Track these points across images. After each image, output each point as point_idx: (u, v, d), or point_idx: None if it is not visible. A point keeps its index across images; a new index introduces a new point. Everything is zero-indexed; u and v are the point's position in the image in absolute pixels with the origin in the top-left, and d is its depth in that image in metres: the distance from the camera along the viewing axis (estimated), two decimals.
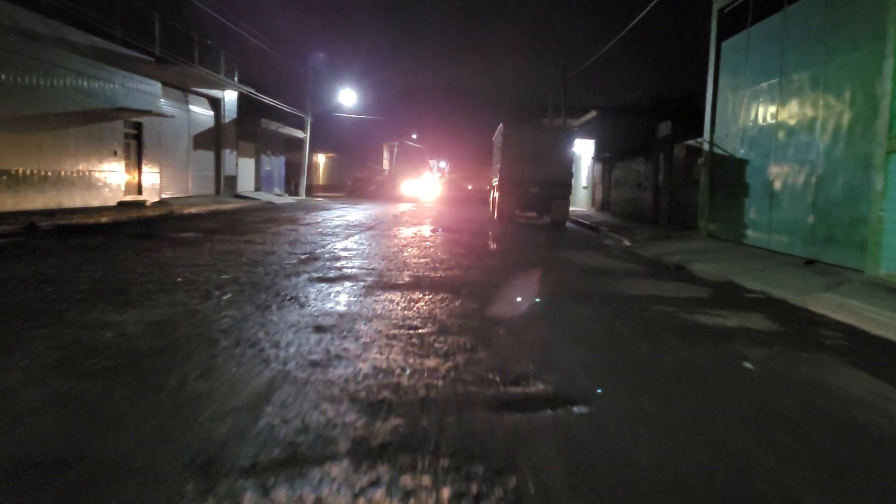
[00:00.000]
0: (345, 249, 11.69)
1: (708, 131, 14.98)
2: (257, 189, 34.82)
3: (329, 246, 12.14)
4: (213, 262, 9.33)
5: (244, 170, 33.09)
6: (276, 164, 37.79)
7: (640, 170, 21.17)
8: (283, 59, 36.77)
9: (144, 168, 22.25)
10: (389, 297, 7.14)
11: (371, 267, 9.58)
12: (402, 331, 5.59)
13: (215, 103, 28.89)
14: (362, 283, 8.01)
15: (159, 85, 23.11)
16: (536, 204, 22.52)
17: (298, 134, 37.86)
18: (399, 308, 6.58)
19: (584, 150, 29.29)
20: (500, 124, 22.31)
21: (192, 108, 26.89)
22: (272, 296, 6.92)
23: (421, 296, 7.34)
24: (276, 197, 34.43)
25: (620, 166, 24.01)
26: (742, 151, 13.49)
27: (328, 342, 5.11)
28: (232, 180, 30.53)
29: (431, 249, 12.42)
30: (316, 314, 6.10)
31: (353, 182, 47.78)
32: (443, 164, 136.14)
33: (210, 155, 28.77)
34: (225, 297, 6.67)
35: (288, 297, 6.87)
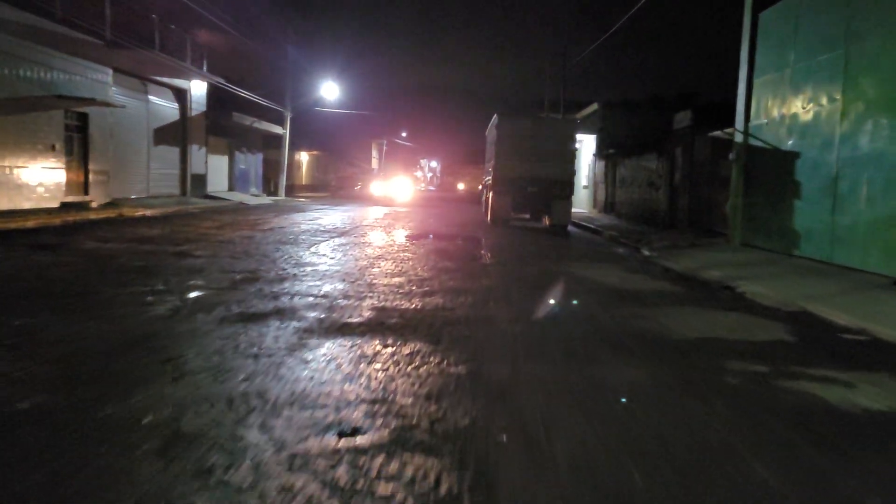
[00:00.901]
0: (298, 265, 9.19)
1: (741, 119, 12.56)
2: (231, 189, 32.24)
3: (281, 260, 9.64)
4: (96, 289, 6.82)
5: (216, 168, 30.51)
6: (252, 162, 35.22)
7: (651, 167, 18.79)
8: (259, 49, 34.20)
9: (91, 165, 19.66)
10: (327, 354, 4.66)
11: (322, 292, 7.09)
12: (322, 441, 3.10)
13: (181, 95, 26.31)
14: (297, 324, 5.52)
15: (110, 72, 20.54)
16: (534, 205, 20.11)
17: (277, 130, 35.29)
18: (335, 379, 4.09)
19: (584, 146, 26.90)
20: (494, 116, 19.87)
21: (153, 99, 24.31)
22: (122, 364, 4.42)
23: (380, 348, 4.87)
24: (252, 197, 31.86)
25: (627, 163, 21.61)
26: (790, 142, 11.08)
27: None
28: (201, 179, 27.95)
29: (410, 263, 9.94)
30: (168, 412, 3.61)
31: (337, 181, 45.26)
32: (434, 163, 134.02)
33: (175, 151, 26.18)
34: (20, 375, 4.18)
35: (156, 364, 4.38)
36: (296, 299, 6.61)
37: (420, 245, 12.87)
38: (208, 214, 19.91)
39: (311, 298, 6.70)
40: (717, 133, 14.42)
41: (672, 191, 16.81)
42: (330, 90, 37.12)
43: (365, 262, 9.78)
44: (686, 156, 15.67)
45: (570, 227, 20.23)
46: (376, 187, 32.83)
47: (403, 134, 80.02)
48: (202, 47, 27.21)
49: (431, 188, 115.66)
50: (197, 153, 27.52)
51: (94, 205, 18.74)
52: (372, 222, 18.76)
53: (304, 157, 47.84)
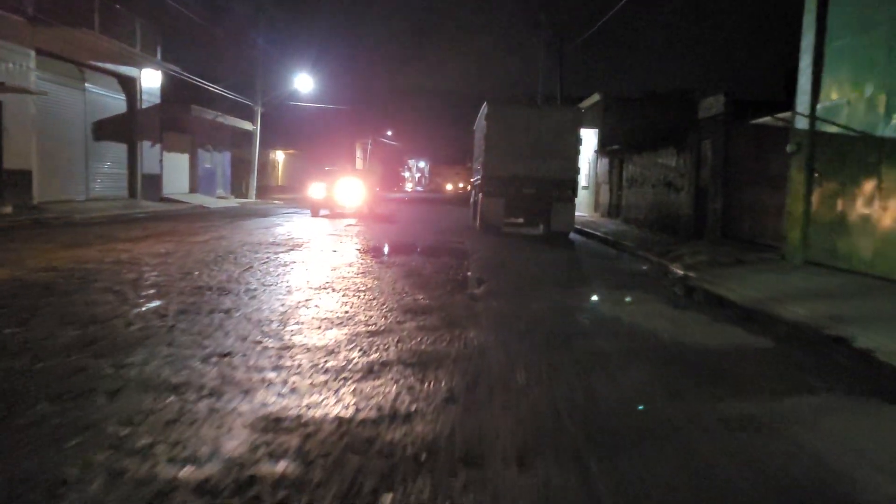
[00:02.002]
0: (192, 308, 6.19)
1: (806, 99, 9.65)
2: (193, 191, 29.13)
3: (175, 295, 6.65)
4: None
5: (174, 167, 27.41)
6: (219, 162, 32.13)
7: (669, 164, 15.90)
8: (225, 38, 31.13)
9: (6, 164, 16.55)
10: None
11: (179, 379, 4.10)
12: None
13: (128, 84, 23.20)
14: None
15: (32, 53, 17.43)
16: (531, 209, 17.17)
17: (246, 126, 32.23)
18: None
19: (584, 141, 23.90)
20: (483, 104, 16.92)
21: (92, 88, 21.19)
22: None
23: None
24: (216, 200, 28.77)
25: (637, 160, 18.71)
26: (888, 125, 8.16)
27: None
28: (154, 180, 24.84)
29: (364, 298, 6.97)
30: None
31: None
32: (422, 163, 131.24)
33: (121, 148, 23.08)
34: None
35: None
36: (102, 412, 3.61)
37: (389, 264, 9.89)
38: (147, 221, 16.83)
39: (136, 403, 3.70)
40: (765, 120, 11.51)
41: (698, 192, 13.92)
42: (304, 83, 34.04)
43: (300, 296, 6.80)
44: (718, 149, 12.78)
45: (572, 235, 17.30)
46: (317, 190, 20.91)
47: (389, 133, 76.92)
48: (155, 32, 24.17)
49: (419, 189, 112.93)
50: (149, 151, 24.41)
51: (7, 210, 15.63)
52: (342, 230, 15.76)
53: (279, 156, 44.72)
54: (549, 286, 8.64)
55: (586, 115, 23.05)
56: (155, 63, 23.58)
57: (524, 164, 16.48)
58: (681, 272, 9.84)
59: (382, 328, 5.55)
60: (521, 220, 18.33)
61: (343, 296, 7.00)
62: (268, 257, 9.90)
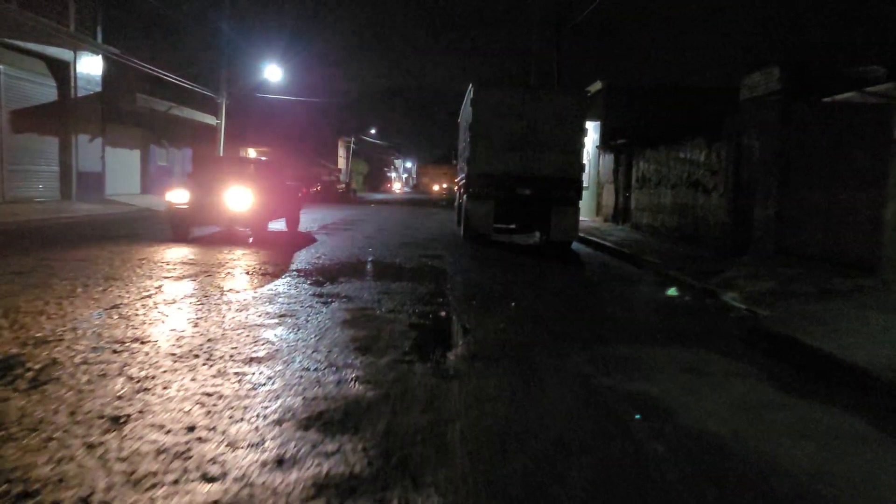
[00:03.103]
0: None
1: None
2: (145, 191, 25.99)
3: None
4: None
5: (122, 165, 24.27)
6: (177, 159, 29.00)
7: (695, 159, 12.99)
8: (183, 21, 28.04)
9: None
10: None
11: None
12: None
13: (59, 69, 20.05)
14: None
15: None
16: (527, 214, 14.28)
17: (208, 120, 29.10)
18: None
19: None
20: (469, 86, 13.95)
21: (9, 71, 18.03)
22: None
23: None
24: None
25: (651, 157, 15.80)
26: None
27: None
28: (94, 179, 21.69)
29: (253, 377, 3.96)
30: None
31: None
32: (409, 163, 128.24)
33: (51, 143, 19.93)
34: None
35: None
36: None
37: (325, 299, 6.89)
38: (55, 230, 13.75)
39: None
40: (848, 96, 8.61)
41: (737, 193, 11.02)
42: (274, 73, 30.91)
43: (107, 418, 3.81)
44: (771, 138, 9.86)
45: (575, 245, 14.37)
46: (183, 196, 11.75)
47: (373, 131, 73.82)
48: (95, 10, 21.07)
49: (407, 189, 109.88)
50: (88, 146, 21.27)
51: None
52: (299, 239, 12.78)
53: (251, 153, 41.55)
54: (565, 340, 5.68)
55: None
56: (92, 45, 20.44)
57: (518, 159, 13.58)
58: (744, 307, 6.92)
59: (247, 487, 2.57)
60: (512, 227, 15.41)
61: (215, 373, 4.01)
62: (146, 292, 6.88)
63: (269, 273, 8.38)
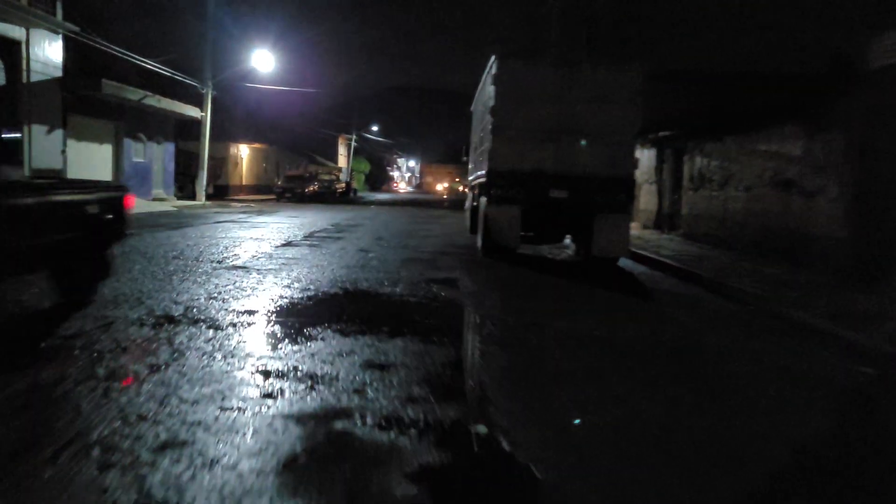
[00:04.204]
0: None
1: None
2: None
3: None
4: None
5: (89, 161, 21.47)
6: (157, 155, 26.14)
7: (787, 152, 10.14)
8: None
9: None
10: None
11: None
12: None
13: (7, 48, 17.22)
14: None
15: None
16: (563, 222, 11.51)
17: (193, 112, 26.29)
18: None
19: None
20: (491, 60, 11.07)
21: None
22: None
23: None
24: (149, 203, 22.84)
25: (712, 150, 12.91)
26: None
27: None
28: (54, 177, 18.86)
29: None
30: None
31: (284, 181, 36.18)
32: (412, 162, 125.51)
33: None
34: None
35: None
36: None
37: (279, 379, 4.02)
38: None
39: None
40: None
41: (861, 197, 8.16)
42: (264, 60, 28.07)
43: None
44: None
45: (624, 262, 11.49)
46: None
47: (375, 128, 70.98)
48: None
49: (410, 188, 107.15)
50: (45, 138, 18.45)
51: None
52: (262, 255, 9.97)
53: (243, 150, 38.75)
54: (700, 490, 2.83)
55: None
56: (48, 22, 17.60)
57: (552, 153, 10.76)
58: None
59: None
60: (543, 239, 12.57)
61: None
62: None
63: (210, 319, 5.55)
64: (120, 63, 21.46)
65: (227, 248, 10.87)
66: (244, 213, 21.72)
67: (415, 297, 7.09)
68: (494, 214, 10.95)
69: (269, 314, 5.86)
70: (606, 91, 10.56)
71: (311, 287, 7.38)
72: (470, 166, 18.29)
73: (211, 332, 5.11)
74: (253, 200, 31.88)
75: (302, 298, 6.68)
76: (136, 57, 21.35)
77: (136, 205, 20.73)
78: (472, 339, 5.57)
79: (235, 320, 5.55)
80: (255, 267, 8.76)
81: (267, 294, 6.84)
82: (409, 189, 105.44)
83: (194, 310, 5.87)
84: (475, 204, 14.85)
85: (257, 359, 4.43)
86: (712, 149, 12.88)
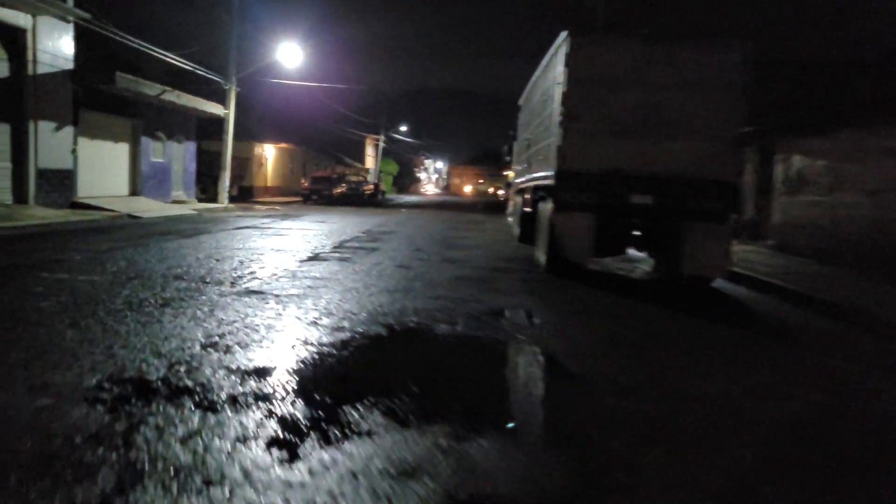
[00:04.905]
0: None
1: None
2: (134, 192, 21.68)
3: None
4: None
5: (102, 160, 19.98)
6: (177, 155, 24.65)
7: None
8: None
9: None
10: None
11: None
12: None
13: (13, 38, 15.76)
14: None
15: None
16: (646, 233, 9.60)
17: (215, 109, 24.75)
18: None
19: None
20: (561, 36, 9.13)
21: None
22: None
23: None
24: (167, 206, 21.31)
25: (819, 147, 10.85)
26: None
27: None
28: (62, 177, 17.41)
29: None
30: None
31: (311, 183, 34.60)
32: (440, 163, 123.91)
33: (2, 130, 15.63)
34: None
35: None
36: None
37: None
38: None
39: None
40: None
41: None
42: (292, 56, 26.42)
43: None
44: None
45: (721, 283, 9.50)
46: None
47: (404, 128, 69.32)
48: None
49: (437, 190, 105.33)
50: (52, 136, 16.96)
51: None
52: (268, 277, 8.21)
53: (269, 150, 37.26)
54: None
55: None
56: (57, 9, 16.07)
57: (632, 150, 8.87)
58: None
59: None
60: (621, 252, 10.64)
61: None
62: None
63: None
64: (137, 56, 19.96)
65: (243, 262, 9.11)
66: (268, 217, 20.06)
67: (485, 343, 5.23)
68: (563, 223, 9.05)
69: (288, 379, 4.04)
70: (703, 73, 8.63)
71: (346, 325, 5.56)
72: (517, 167, 16.41)
73: (194, 418, 3.31)
74: (278, 203, 30.31)
75: (334, 347, 4.86)
76: (155, 49, 19.82)
77: (153, 207, 19.26)
78: (600, 439, 3.69)
79: (235, 392, 3.74)
80: (273, 291, 6.97)
81: (286, 338, 5.03)
82: (437, 191, 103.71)
83: (179, 371, 4.07)
84: (527, 209, 13.01)
85: (261, 492, 2.60)
86: (817, 146, 10.82)
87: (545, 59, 10.70)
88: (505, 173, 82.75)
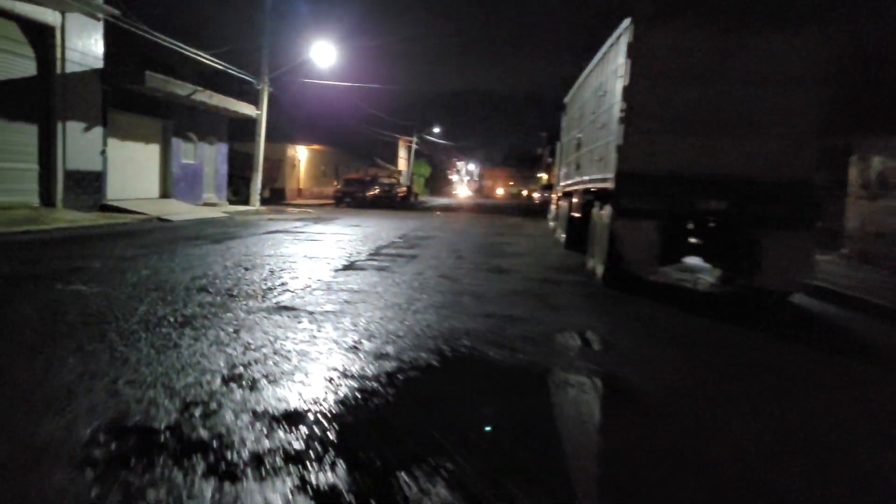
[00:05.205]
0: None
1: None
2: (165, 195, 21.25)
3: None
4: None
5: (132, 162, 19.57)
6: (208, 156, 24.21)
7: None
8: None
9: None
10: None
11: None
12: None
13: (41, 35, 15.34)
14: None
15: None
16: (717, 242, 8.65)
17: (247, 110, 24.28)
18: None
19: None
20: (625, 23, 8.22)
21: None
22: None
23: None
24: (198, 208, 20.83)
25: None
26: None
27: None
28: (91, 179, 16.98)
29: None
30: None
31: (344, 185, 34.03)
32: (472, 165, 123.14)
33: (28, 131, 15.22)
34: None
35: None
36: None
37: None
38: None
39: None
40: None
41: None
42: (325, 55, 25.83)
43: None
44: None
45: (801, 299, 8.52)
46: None
47: (437, 130, 68.64)
48: None
49: (470, 193, 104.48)
50: (81, 137, 16.53)
51: None
52: (301, 290, 7.47)
53: (301, 152, 36.80)
54: None
55: None
56: (86, 4, 15.62)
57: (701, 149, 7.99)
58: None
59: None
60: (688, 262, 9.73)
61: None
62: None
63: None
64: (169, 54, 19.51)
65: (273, 272, 8.40)
66: (300, 220, 19.45)
67: (550, 376, 4.41)
68: (624, 231, 8.17)
69: (325, 429, 3.26)
70: (790, 63, 7.69)
71: (390, 351, 4.78)
72: (563, 170, 15.53)
73: (206, 492, 2.54)
74: (310, 205, 29.77)
75: (379, 381, 4.07)
76: (186, 47, 19.35)
77: (183, 210, 18.75)
78: None
79: (260, 448, 2.97)
80: (307, 307, 6.22)
81: (322, 369, 4.26)
82: (469, 193, 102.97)
83: (193, 416, 3.32)
84: (576, 214, 12.16)
85: None
86: None
87: (602, 49, 9.84)
88: (538, 175, 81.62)
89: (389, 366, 4.40)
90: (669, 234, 8.26)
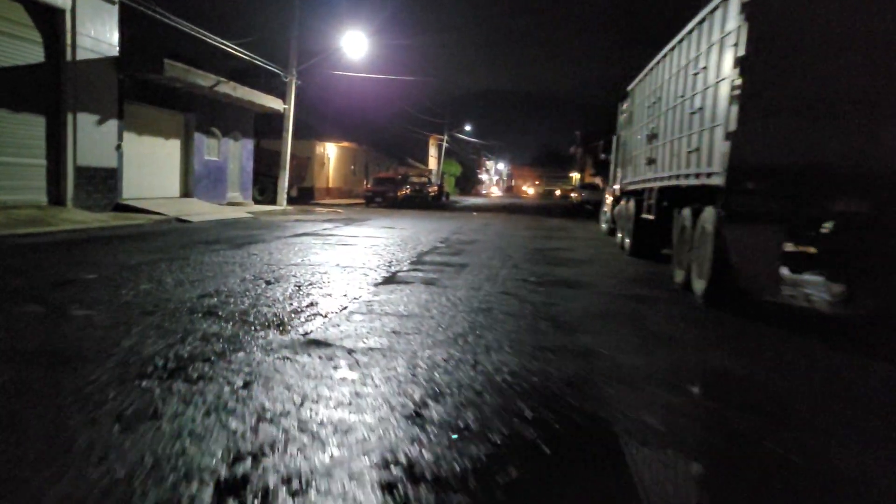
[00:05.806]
0: None
1: None
2: (186, 193, 19.93)
3: None
4: None
5: (151, 158, 18.26)
6: (233, 153, 22.86)
7: None
8: None
9: None
10: None
11: None
12: None
13: (49, 18, 14.03)
14: None
15: None
16: (855, 252, 6.86)
17: (274, 104, 22.93)
18: None
19: None
20: None
21: None
22: None
23: None
24: (221, 208, 19.49)
25: None
26: None
27: None
28: (105, 176, 15.68)
29: None
30: None
31: (374, 184, 32.62)
32: (501, 165, 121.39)
33: (35, 123, 13.91)
34: None
35: None
36: None
37: None
38: None
39: None
40: None
41: None
42: (356, 46, 24.36)
43: None
44: None
45: None
46: None
47: (468, 128, 67.04)
48: None
49: (500, 192, 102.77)
50: (94, 130, 15.22)
51: None
52: (335, 313, 5.92)
53: (330, 150, 35.45)
54: None
55: None
56: None
57: (834, 136, 6.29)
58: None
59: None
60: (816, 276, 8.00)
61: None
62: None
63: None
64: (191, 48, 18.23)
65: (300, 287, 6.88)
66: (329, 221, 17.99)
67: (708, 464, 2.80)
68: (738, 239, 6.49)
69: None
70: None
71: (469, 421, 3.20)
72: (628, 167, 13.84)
73: None
74: (339, 205, 28.35)
75: (466, 490, 2.49)
76: (208, 34, 18.02)
77: (205, 210, 17.33)
78: None
79: None
80: (343, 342, 4.67)
81: (372, 462, 2.69)
82: (499, 193, 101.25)
83: None
84: (647, 217, 10.50)
85: None
86: None
87: (695, 19, 8.15)
88: (570, 175, 79.42)
89: (472, 451, 2.83)
90: (795, 242, 6.60)
